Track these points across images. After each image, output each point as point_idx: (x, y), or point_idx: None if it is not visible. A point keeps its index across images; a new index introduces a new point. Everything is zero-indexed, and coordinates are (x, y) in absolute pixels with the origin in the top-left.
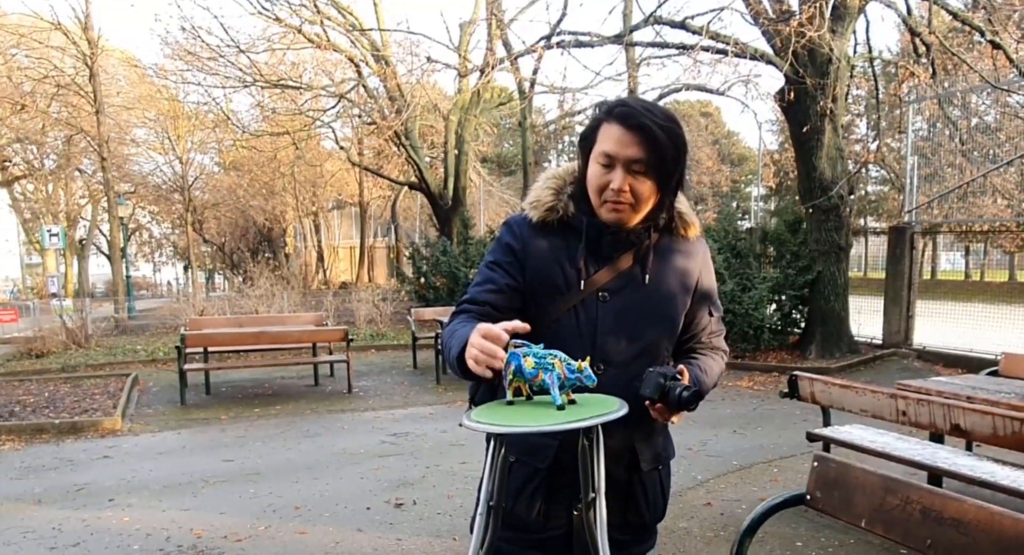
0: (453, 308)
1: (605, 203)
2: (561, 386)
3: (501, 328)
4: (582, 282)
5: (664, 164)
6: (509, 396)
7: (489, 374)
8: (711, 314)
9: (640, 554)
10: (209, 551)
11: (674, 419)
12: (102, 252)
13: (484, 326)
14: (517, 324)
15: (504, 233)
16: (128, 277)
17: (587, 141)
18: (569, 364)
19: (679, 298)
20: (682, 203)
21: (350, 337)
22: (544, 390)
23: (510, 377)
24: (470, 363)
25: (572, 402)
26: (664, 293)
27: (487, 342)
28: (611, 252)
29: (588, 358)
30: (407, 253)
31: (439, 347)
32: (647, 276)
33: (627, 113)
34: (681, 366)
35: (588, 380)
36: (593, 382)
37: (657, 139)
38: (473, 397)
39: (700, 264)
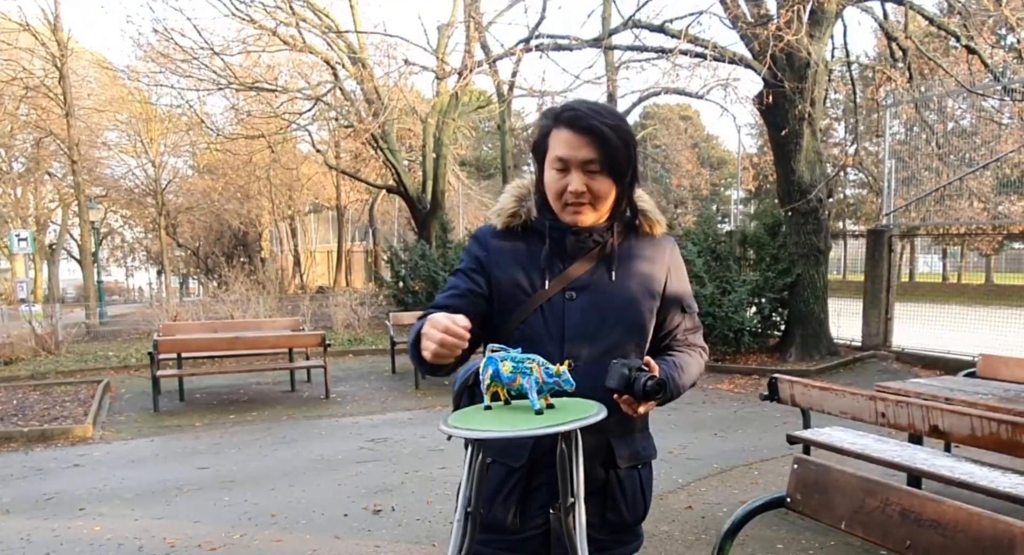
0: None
1: (566, 206)
2: (539, 390)
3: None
4: (546, 282)
5: (617, 161)
6: (487, 401)
7: (451, 360)
8: (684, 311)
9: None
10: None
11: (641, 409)
12: (73, 257)
13: (442, 314)
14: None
15: (471, 244)
16: (100, 282)
17: (540, 149)
18: (547, 368)
19: (645, 301)
20: (646, 202)
21: (327, 342)
22: (522, 394)
23: (488, 381)
24: (428, 346)
25: (551, 406)
26: (630, 294)
27: (449, 324)
28: (576, 252)
29: (568, 362)
30: (385, 257)
31: None
32: (613, 274)
33: (575, 117)
34: (647, 358)
35: (567, 384)
36: (571, 386)
37: (607, 138)
38: (457, 406)
39: (668, 262)
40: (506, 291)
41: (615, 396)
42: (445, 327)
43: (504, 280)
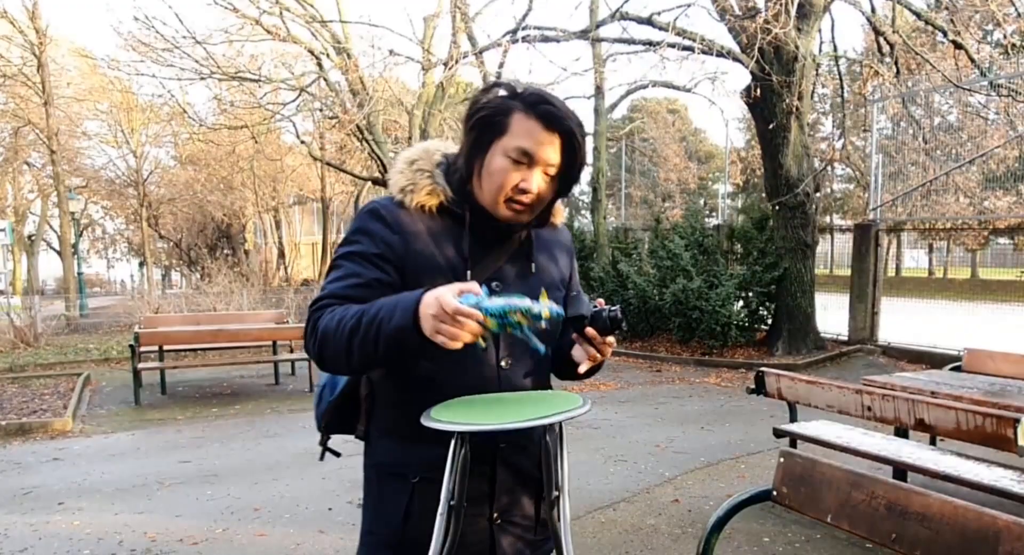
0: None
1: (508, 201)
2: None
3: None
4: (468, 273)
5: (576, 172)
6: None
7: (460, 345)
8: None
9: (549, 551)
10: None
11: (610, 341)
12: (52, 248)
13: (451, 288)
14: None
15: (370, 223)
16: (80, 274)
17: (492, 128)
18: (533, 313)
19: (559, 292)
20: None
21: None
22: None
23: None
24: (441, 332)
25: (550, 320)
26: (548, 281)
27: (460, 305)
28: (494, 241)
29: (544, 292)
30: None
31: None
32: (533, 265)
33: (552, 113)
34: (598, 299)
35: (555, 314)
36: (559, 316)
37: (577, 147)
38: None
39: (571, 249)
40: (423, 275)
41: (576, 333)
42: (455, 309)
43: (424, 272)
